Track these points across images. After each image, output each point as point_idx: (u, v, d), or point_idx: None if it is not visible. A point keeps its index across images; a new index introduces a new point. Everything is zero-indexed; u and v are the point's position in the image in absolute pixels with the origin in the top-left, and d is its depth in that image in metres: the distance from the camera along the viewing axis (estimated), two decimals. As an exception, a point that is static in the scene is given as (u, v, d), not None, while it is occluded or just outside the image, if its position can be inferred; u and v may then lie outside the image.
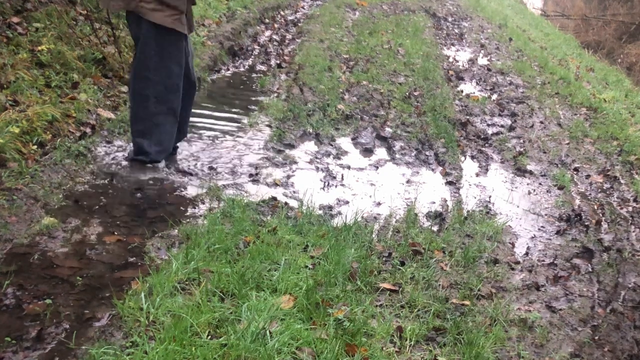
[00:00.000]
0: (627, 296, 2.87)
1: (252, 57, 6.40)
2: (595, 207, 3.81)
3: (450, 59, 7.35)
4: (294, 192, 3.56)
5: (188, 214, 3.13)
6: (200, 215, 3.09)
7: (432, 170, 4.12)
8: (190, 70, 3.54)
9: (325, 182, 3.73)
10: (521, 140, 4.83)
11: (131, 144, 3.60)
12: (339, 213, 3.33)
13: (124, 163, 3.54)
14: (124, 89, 4.53)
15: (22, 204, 2.89)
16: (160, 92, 3.39)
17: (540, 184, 4.12)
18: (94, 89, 4.22)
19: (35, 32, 4.34)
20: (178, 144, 3.75)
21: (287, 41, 7.09)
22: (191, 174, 3.55)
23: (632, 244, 3.40)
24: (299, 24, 7.86)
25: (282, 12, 8.33)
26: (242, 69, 6.04)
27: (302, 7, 8.94)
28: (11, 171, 3.11)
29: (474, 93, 6.01)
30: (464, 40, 8.54)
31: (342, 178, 3.81)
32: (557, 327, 2.56)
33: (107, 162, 3.54)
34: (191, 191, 3.37)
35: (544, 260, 3.13)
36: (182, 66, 3.41)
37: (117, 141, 3.79)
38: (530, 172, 4.26)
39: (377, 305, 2.50)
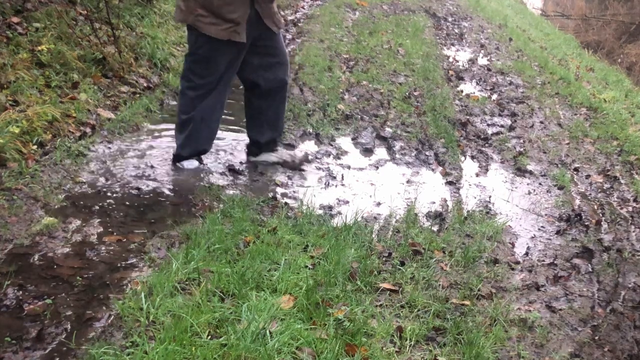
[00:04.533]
0: (627, 296, 2.87)
1: (252, 57, 6.40)
2: (595, 207, 3.81)
3: (450, 59, 7.35)
4: (294, 192, 3.56)
5: (188, 214, 3.13)
6: (200, 215, 3.09)
7: (432, 170, 4.12)
8: (273, 70, 3.58)
9: (325, 182, 3.73)
10: (521, 140, 4.83)
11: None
12: (339, 213, 3.33)
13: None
14: (124, 88, 4.54)
15: (22, 204, 2.89)
16: (198, 95, 3.44)
17: (540, 184, 4.12)
18: (94, 89, 4.22)
19: (35, 32, 4.35)
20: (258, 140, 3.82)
21: (287, 41, 7.09)
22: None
23: (632, 244, 3.40)
24: (299, 24, 7.87)
25: (282, 12, 8.33)
26: (242, 69, 6.03)
27: (302, 7, 8.95)
28: (11, 171, 3.11)
29: (474, 93, 6.01)
30: (464, 40, 8.54)
31: (342, 178, 3.81)
32: (557, 327, 2.56)
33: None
34: (191, 191, 3.37)
35: (544, 260, 3.12)
36: (230, 74, 3.48)
37: (116, 141, 3.79)
38: (530, 172, 4.26)
39: (377, 305, 2.50)
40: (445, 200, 3.67)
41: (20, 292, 2.33)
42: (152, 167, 3.59)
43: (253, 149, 3.83)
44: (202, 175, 3.59)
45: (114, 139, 3.84)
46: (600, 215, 3.71)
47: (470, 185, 3.96)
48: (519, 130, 5.05)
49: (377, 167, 4.06)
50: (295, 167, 3.82)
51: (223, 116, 3.73)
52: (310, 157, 3.93)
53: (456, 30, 9.18)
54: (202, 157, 3.72)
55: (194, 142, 3.57)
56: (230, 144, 4.10)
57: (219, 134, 3.84)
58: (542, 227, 3.52)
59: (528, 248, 3.25)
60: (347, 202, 3.51)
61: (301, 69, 5.80)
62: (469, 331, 2.37)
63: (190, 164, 3.63)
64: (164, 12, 5.99)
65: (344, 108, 4.98)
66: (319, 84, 5.42)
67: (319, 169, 3.91)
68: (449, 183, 3.93)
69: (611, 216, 3.70)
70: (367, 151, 4.32)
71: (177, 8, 3.39)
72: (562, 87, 6.52)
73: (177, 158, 3.62)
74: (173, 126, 4.28)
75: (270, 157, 3.84)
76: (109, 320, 2.23)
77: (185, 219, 3.04)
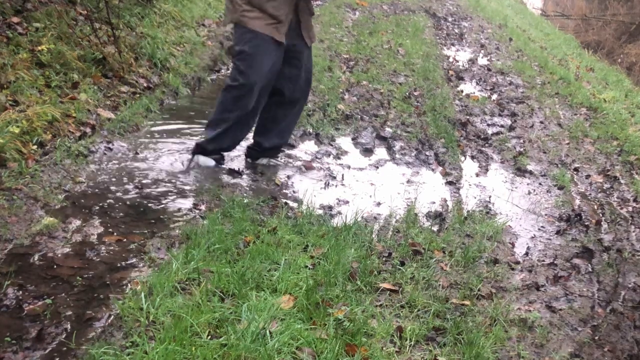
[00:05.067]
0: (627, 296, 2.87)
1: (252, 57, 6.39)
2: (595, 207, 3.81)
3: (450, 59, 7.35)
4: (294, 192, 3.56)
5: (188, 214, 3.12)
6: (200, 216, 3.09)
7: (432, 170, 4.12)
8: (299, 83, 3.64)
9: (325, 182, 3.73)
10: (521, 140, 4.83)
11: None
12: (339, 213, 3.33)
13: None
14: (124, 88, 4.53)
15: (22, 204, 2.89)
16: (241, 95, 3.46)
17: (540, 184, 4.12)
18: (94, 89, 4.22)
19: (35, 32, 4.34)
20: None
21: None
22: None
23: (632, 244, 3.40)
24: (299, 24, 7.86)
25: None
26: (242, 69, 6.03)
27: (302, 7, 8.94)
28: (11, 171, 3.10)
29: (474, 93, 6.02)
30: (464, 40, 8.54)
31: (342, 178, 3.81)
32: (557, 327, 2.56)
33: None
34: (191, 191, 3.37)
35: (544, 260, 3.13)
36: (272, 73, 3.49)
37: (117, 142, 3.79)
38: (530, 172, 4.26)
39: (377, 305, 2.50)
40: (445, 200, 3.67)
41: (20, 292, 2.33)
42: (152, 167, 3.60)
43: (253, 151, 3.84)
44: (202, 175, 3.59)
45: (114, 139, 3.84)
46: (600, 215, 3.71)
47: (470, 185, 3.97)
48: (519, 130, 5.05)
49: (377, 167, 4.06)
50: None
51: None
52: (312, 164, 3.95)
53: (456, 30, 9.18)
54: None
55: (223, 140, 3.61)
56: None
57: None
58: (542, 227, 3.52)
59: (528, 248, 3.25)
60: (347, 202, 3.51)
61: (301, 69, 5.79)
62: (469, 331, 2.37)
63: (206, 161, 3.66)
64: (164, 12, 5.99)
65: (344, 108, 4.98)
66: (319, 84, 5.42)
67: (319, 169, 3.91)
68: (449, 183, 3.93)
69: (611, 216, 3.70)
70: (367, 151, 4.32)
71: (225, 10, 3.52)
72: (562, 87, 6.52)
73: (199, 150, 3.63)
74: (173, 126, 4.29)
75: (270, 162, 3.85)
76: (109, 320, 2.23)
77: (185, 219, 3.04)
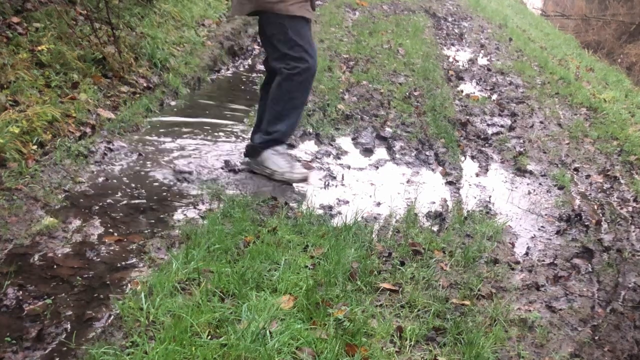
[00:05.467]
0: (627, 296, 2.87)
1: (252, 57, 6.41)
2: (595, 207, 3.81)
3: (450, 59, 7.35)
4: (294, 192, 3.56)
5: (188, 214, 3.13)
6: (200, 216, 3.09)
7: (432, 170, 4.12)
8: None
9: (325, 182, 3.73)
10: (521, 140, 4.83)
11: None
12: (339, 213, 3.33)
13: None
14: (124, 88, 4.53)
15: (22, 204, 2.89)
16: (306, 78, 3.44)
17: (540, 184, 4.12)
18: (94, 89, 4.22)
19: (35, 32, 4.34)
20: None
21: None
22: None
23: (632, 244, 3.40)
24: (299, 24, 7.85)
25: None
26: (242, 69, 6.04)
27: (302, 7, 8.93)
28: (11, 171, 3.10)
29: (474, 93, 6.01)
30: (464, 40, 8.54)
31: (342, 178, 3.81)
32: (557, 327, 2.56)
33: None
34: (191, 191, 3.37)
35: (544, 260, 3.13)
36: (315, 52, 3.47)
37: (117, 142, 3.79)
38: (530, 172, 4.26)
39: (377, 305, 2.50)
40: (445, 200, 3.67)
41: (20, 292, 2.33)
42: (152, 167, 3.60)
43: (251, 150, 3.83)
44: (201, 175, 3.58)
45: (114, 139, 3.84)
46: (600, 215, 3.71)
47: (470, 185, 3.97)
48: (519, 130, 5.05)
49: (377, 167, 4.06)
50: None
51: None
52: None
53: (456, 30, 9.18)
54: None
55: (295, 126, 3.61)
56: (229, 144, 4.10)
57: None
58: (542, 227, 3.52)
59: (528, 248, 3.25)
60: (347, 202, 3.51)
61: (301, 69, 5.79)
62: (469, 331, 2.37)
63: (284, 149, 3.65)
64: (164, 12, 5.99)
65: (344, 108, 4.98)
66: (319, 84, 5.42)
67: (319, 169, 3.90)
68: (449, 183, 3.93)
69: (611, 216, 3.70)
70: (367, 151, 4.32)
71: (237, 3, 3.42)
72: (562, 87, 6.53)
73: (275, 143, 3.59)
74: (173, 125, 4.29)
75: None
76: (109, 320, 2.23)
77: (185, 219, 3.04)
